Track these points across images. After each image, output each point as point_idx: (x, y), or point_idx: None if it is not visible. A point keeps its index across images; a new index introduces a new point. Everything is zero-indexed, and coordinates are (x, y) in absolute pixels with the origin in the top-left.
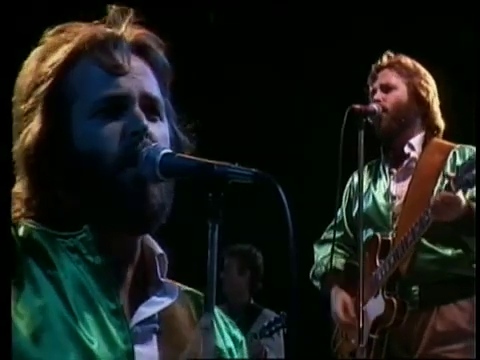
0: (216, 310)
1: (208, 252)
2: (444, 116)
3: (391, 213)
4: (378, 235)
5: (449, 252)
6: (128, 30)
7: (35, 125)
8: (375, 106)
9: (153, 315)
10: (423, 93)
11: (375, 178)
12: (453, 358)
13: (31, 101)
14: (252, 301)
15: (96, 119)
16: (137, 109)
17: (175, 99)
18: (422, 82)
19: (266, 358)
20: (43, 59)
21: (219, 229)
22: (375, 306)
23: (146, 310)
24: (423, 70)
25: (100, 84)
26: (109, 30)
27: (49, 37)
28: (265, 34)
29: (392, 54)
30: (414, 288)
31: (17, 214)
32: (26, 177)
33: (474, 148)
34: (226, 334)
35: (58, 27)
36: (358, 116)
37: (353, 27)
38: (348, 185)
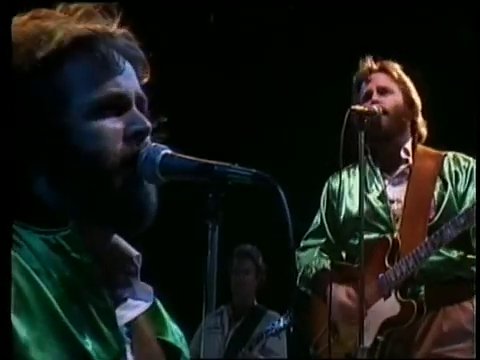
0: (158, 302)
1: (208, 253)
2: (442, 118)
3: (392, 216)
4: (388, 237)
5: (454, 254)
6: (118, 32)
7: (24, 117)
8: (375, 107)
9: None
10: (416, 99)
11: (365, 180)
12: (457, 357)
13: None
14: (255, 302)
15: (98, 117)
16: (136, 109)
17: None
18: (412, 88)
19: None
20: (35, 45)
21: (219, 230)
22: (386, 308)
23: (125, 314)
24: (408, 78)
25: (101, 80)
26: (101, 26)
27: (34, 20)
28: (265, 34)
29: (376, 60)
30: (420, 288)
31: None
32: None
33: (465, 156)
34: (173, 327)
35: (42, 12)
36: (359, 117)
37: (353, 27)
38: (325, 190)
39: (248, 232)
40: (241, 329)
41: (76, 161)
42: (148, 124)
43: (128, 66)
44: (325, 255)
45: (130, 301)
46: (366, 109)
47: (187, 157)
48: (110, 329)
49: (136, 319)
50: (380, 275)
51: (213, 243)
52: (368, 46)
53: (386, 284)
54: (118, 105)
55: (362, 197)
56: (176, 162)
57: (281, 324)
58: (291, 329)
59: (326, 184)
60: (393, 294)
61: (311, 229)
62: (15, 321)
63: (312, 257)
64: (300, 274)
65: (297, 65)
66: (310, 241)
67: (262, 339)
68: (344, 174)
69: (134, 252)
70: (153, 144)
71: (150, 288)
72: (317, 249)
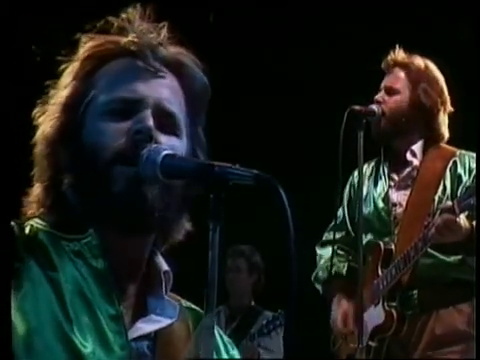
0: (216, 329)
1: (209, 253)
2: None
3: (392, 219)
4: (381, 243)
5: (450, 258)
6: (165, 44)
7: (52, 119)
8: (375, 107)
9: (149, 332)
10: (426, 101)
11: (375, 181)
12: (451, 359)
13: (58, 99)
14: (253, 303)
15: (105, 117)
16: (147, 112)
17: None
18: (428, 89)
19: (259, 359)
20: (78, 65)
21: (220, 230)
22: (375, 315)
23: (143, 327)
24: (434, 76)
25: (117, 86)
26: (139, 38)
27: (85, 43)
28: (265, 34)
29: (405, 53)
30: (414, 292)
31: (30, 212)
32: (42, 174)
33: (474, 155)
34: (224, 354)
35: (92, 35)
36: (358, 117)
37: (354, 27)
38: (349, 184)
39: (248, 232)
40: (237, 329)
41: (81, 157)
42: (149, 124)
43: (166, 79)
44: (342, 254)
45: (152, 316)
46: (364, 109)
47: (188, 158)
48: (116, 335)
49: (165, 336)
50: (375, 281)
51: (214, 244)
52: (368, 46)
53: (376, 291)
54: (128, 109)
55: (361, 197)
56: (177, 163)
57: (274, 323)
58: (283, 328)
59: (350, 178)
60: (381, 302)
61: (334, 222)
62: (16, 320)
63: (328, 257)
64: (315, 273)
65: (297, 64)
66: (331, 235)
67: (255, 338)
68: (365, 170)
69: (163, 267)
70: (154, 145)
71: (176, 304)
72: (334, 247)
